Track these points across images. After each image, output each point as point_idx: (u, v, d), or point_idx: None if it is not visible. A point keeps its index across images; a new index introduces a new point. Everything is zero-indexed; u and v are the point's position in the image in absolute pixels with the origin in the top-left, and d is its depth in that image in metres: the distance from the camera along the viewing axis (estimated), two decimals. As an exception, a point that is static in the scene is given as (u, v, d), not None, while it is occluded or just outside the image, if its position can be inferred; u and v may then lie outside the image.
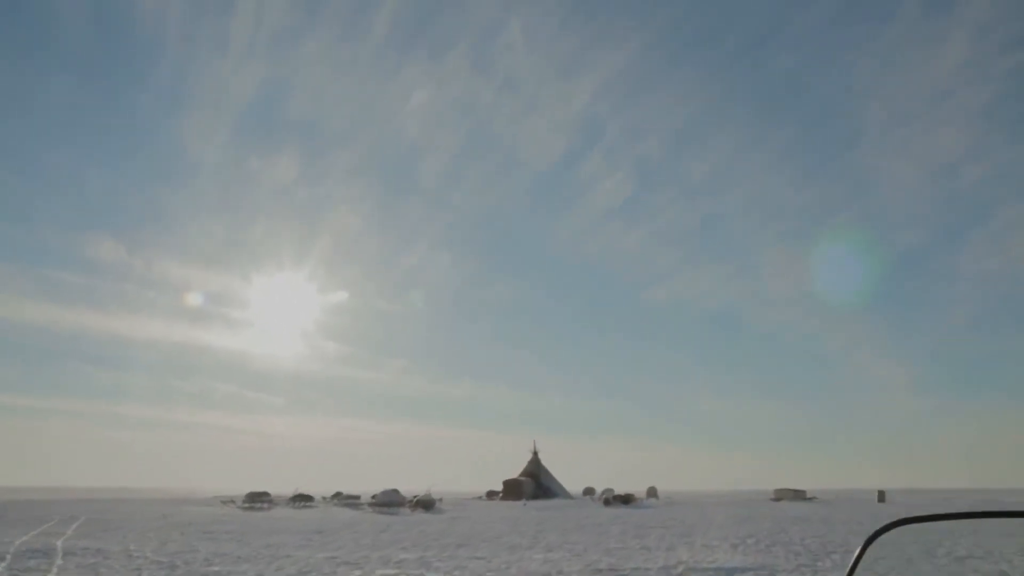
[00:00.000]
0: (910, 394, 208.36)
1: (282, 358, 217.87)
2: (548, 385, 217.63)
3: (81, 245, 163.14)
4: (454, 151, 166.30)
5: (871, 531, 2.18)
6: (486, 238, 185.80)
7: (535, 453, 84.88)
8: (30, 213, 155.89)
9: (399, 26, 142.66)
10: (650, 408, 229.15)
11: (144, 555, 19.02)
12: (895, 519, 2.13)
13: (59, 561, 17.11)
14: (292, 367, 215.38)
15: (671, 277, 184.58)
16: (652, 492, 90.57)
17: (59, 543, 21.72)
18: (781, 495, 78.12)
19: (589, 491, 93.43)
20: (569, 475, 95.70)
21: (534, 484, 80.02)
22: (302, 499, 59.88)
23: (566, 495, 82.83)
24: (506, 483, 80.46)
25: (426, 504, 52.05)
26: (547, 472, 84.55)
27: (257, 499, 57.07)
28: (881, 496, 71.88)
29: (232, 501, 58.13)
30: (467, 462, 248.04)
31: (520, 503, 63.98)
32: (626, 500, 61.14)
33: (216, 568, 16.25)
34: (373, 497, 53.30)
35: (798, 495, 77.15)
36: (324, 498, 64.69)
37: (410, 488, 61.46)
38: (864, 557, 2.12)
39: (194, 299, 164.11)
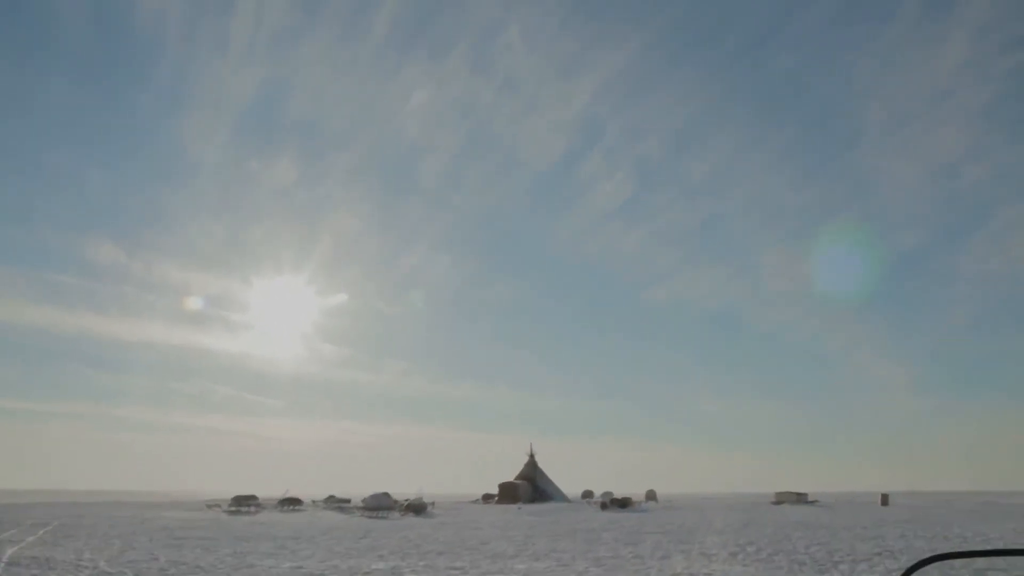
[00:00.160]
0: (910, 394, 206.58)
1: (282, 360, 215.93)
2: (548, 385, 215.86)
3: (81, 247, 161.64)
4: (454, 151, 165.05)
5: (906, 564, 1.97)
6: (486, 238, 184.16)
7: (531, 456, 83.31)
8: (30, 214, 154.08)
9: (399, 26, 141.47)
10: (650, 408, 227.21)
11: (95, 565, 17.58)
12: (933, 553, 2.08)
13: (-5, 573, 15.68)
14: (292, 369, 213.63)
15: (671, 277, 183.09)
16: (651, 495, 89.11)
17: (9, 552, 20.27)
18: (782, 498, 76.57)
19: (588, 494, 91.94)
20: (568, 477, 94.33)
21: (530, 487, 78.47)
22: (291, 503, 58.39)
23: (563, 498, 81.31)
24: (502, 486, 78.93)
25: (417, 508, 50.60)
26: (544, 475, 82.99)
27: (244, 503, 55.55)
28: (884, 500, 70.32)
29: (218, 505, 56.60)
30: (467, 464, 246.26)
31: (515, 507, 62.52)
32: (623, 504, 59.66)
33: (164, 581, 14.83)
34: (363, 501, 51.78)
35: (799, 498, 75.57)
36: (314, 501, 63.19)
37: (410, 491, 60.04)
38: None
39: (194, 302, 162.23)
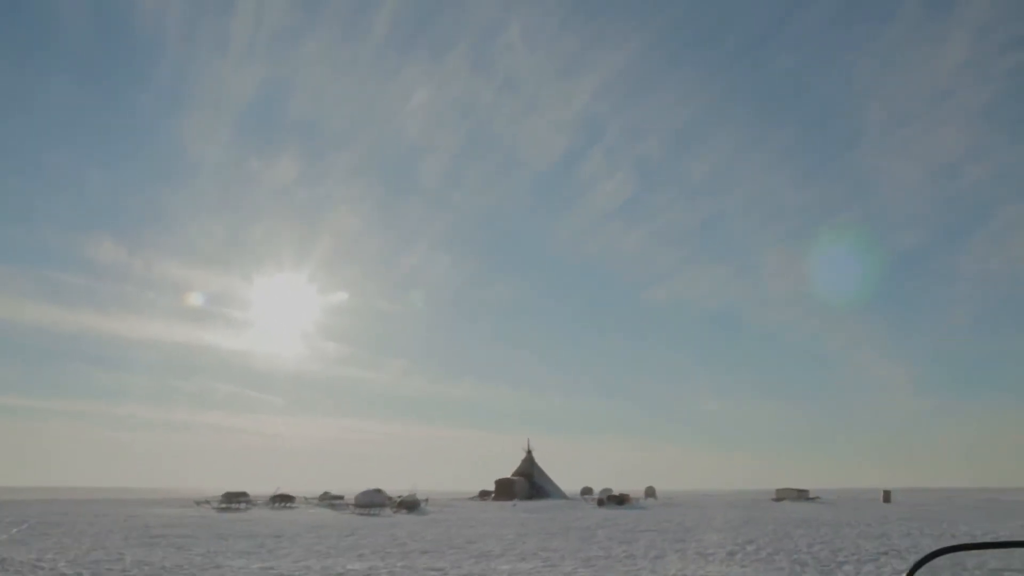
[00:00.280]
0: (910, 394, 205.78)
1: (283, 358, 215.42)
2: (548, 385, 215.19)
3: (81, 246, 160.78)
4: (454, 151, 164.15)
5: (915, 558, 2.15)
6: (486, 238, 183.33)
7: (529, 452, 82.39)
8: (30, 213, 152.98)
9: (399, 26, 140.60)
10: (650, 408, 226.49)
11: (54, 566, 16.55)
12: (942, 546, 2.06)
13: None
14: (293, 367, 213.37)
15: (671, 277, 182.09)
16: (650, 492, 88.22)
17: (-32, 551, 19.25)
18: (783, 495, 75.54)
19: (587, 491, 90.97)
20: (569, 475, 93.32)
21: (527, 484, 77.54)
22: (282, 499, 57.37)
23: (560, 495, 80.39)
24: (498, 483, 78.01)
25: (410, 505, 49.61)
26: (541, 472, 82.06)
27: (234, 499, 54.50)
28: (886, 496, 69.35)
29: (207, 502, 55.53)
30: (467, 462, 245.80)
31: (510, 504, 61.54)
32: (620, 501, 58.66)
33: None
34: (355, 498, 50.75)
35: (801, 495, 74.53)
36: (306, 498, 62.17)
37: (408, 489, 59.13)
38: None
39: (195, 299, 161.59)
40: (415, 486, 57.41)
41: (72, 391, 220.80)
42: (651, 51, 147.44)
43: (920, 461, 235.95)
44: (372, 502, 47.85)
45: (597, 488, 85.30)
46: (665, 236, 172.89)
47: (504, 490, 75.45)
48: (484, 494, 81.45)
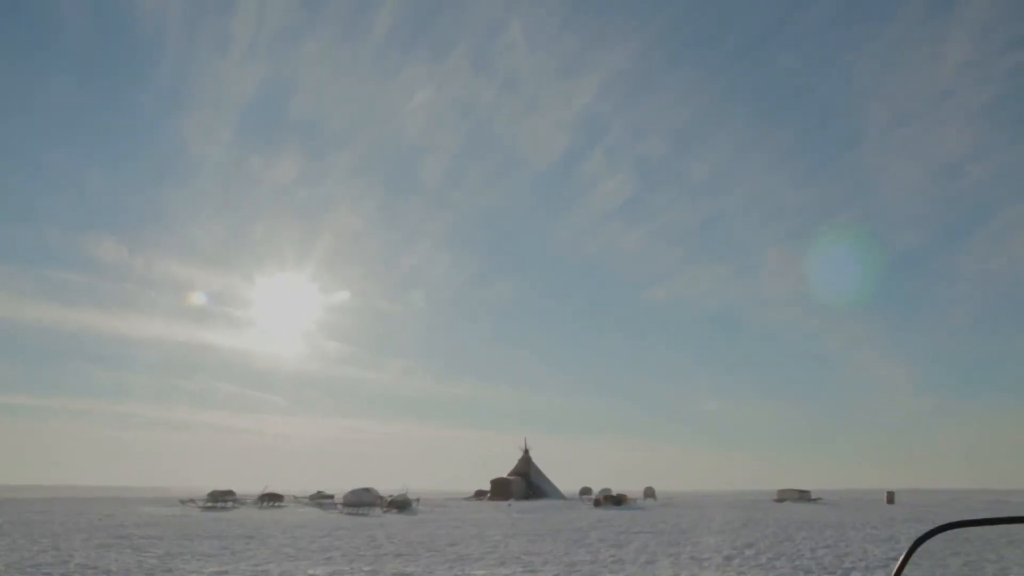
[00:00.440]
0: (910, 394, 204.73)
1: (284, 358, 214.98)
2: (548, 385, 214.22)
3: (82, 245, 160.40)
4: (455, 151, 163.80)
5: (913, 537, 2.10)
6: (487, 238, 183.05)
7: (526, 451, 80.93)
8: (31, 213, 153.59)
9: (400, 26, 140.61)
10: (650, 408, 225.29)
11: (-10, 569, 15.17)
12: (941, 523, 2.04)
13: None
14: (294, 367, 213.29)
15: (671, 277, 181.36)
16: (650, 492, 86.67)
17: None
18: (785, 496, 73.97)
19: (586, 491, 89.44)
20: (569, 475, 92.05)
21: (524, 484, 76.12)
22: (271, 499, 55.95)
23: (558, 495, 78.98)
24: (494, 482, 76.59)
25: (400, 505, 48.25)
26: (539, 471, 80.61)
27: (220, 498, 53.08)
28: (890, 497, 67.78)
29: (192, 501, 54.09)
30: (467, 462, 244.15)
31: (505, 504, 60.13)
32: (618, 501, 57.22)
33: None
34: (343, 497, 49.33)
35: (803, 496, 72.93)
36: (296, 497, 60.72)
37: (409, 488, 57.86)
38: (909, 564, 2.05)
39: (196, 299, 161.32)
40: (406, 486, 56.00)
41: (73, 390, 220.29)
42: (652, 51, 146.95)
43: (920, 461, 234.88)
44: (361, 501, 46.45)
45: (596, 488, 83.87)
46: (665, 236, 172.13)
47: (500, 490, 74.02)
48: (480, 494, 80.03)
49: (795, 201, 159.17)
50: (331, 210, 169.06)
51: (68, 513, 40.37)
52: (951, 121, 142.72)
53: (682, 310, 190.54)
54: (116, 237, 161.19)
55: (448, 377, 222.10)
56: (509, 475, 77.95)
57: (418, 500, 56.31)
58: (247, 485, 61.29)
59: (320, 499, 57.12)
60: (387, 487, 57.41)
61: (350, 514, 43.56)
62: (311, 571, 15.48)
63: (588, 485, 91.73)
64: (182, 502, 54.18)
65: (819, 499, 73.33)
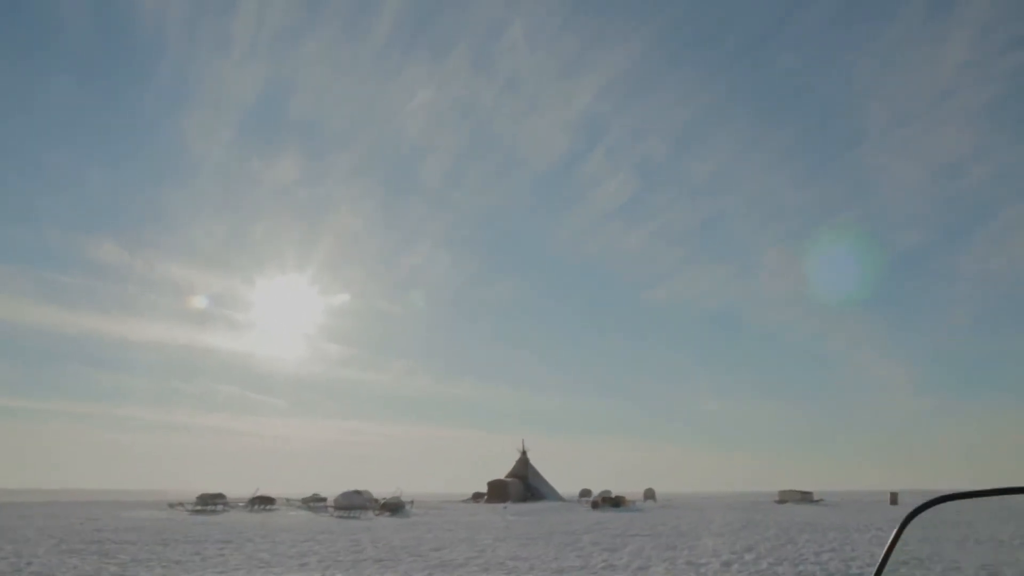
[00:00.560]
0: (911, 394, 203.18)
1: (285, 360, 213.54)
2: (548, 385, 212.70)
3: (82, 247, 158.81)
4: (455, 151, 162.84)
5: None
6: (487, 238, 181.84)
7: (524, 452, 79.81)
8: (30, 214, 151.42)
9: (400, 26, 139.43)
10: (650, 408, 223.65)
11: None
12: (935, 496, 2.10)
13: None
14: (295, 369, 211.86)
15: (671, 277, 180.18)
16: (650, 494, 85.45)
17: None
18: (786, 497, 72.81)
19: (585, 493, 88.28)
20: (568, 476, 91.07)
21: (521, 486, 74.98)
22: (262, 502, 54.83)
23: (556, 497, 77.84)
24: (491, 484, 75.43)
25: (393, 507, 47.16)
26: (536, 473, 79.47)
27: (210, 501, 51.97)
28: (894, 499, 66.62)
29: (181, 504, 52.94)
30: (467, 463, 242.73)
31: (501, 507, 59.03)
32: (616, 503, 56.13)
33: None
34: (334, 500, 48.21)
35: (804, 497, 71.75)
36: (288, 500, 59.58)
37: (410, 490, 56.79)
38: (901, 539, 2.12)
39: (196, 301, 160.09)
40: (399, 488, 54.87)
41: (73, 393, 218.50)
42: (652, 51, 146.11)
43: (920, 461, 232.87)
44: (352, 504, 45.35)
45: (596, 490, 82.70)
46: (665, 236, 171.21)
47: (497, 492, 72.90)
48: (477, 496, 78.89)
49: (795, 201, 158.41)
50: (331, 210, 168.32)
51: (48, 517, 39.29)
52: (951, 121, 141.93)
53: (682, 310, 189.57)
54: (116, 239, 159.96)
55: (448, 377, 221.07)
56: (507, 477, 76.82)
57: (412, 503, 55.15)
58: (246, 488, 60.10)
59: (313, 502, 55.97)
60: (386, 489, 56.33)
61: (341, 517, 42.48)
62: (279, 579, 14.44)
63: (588, 487, 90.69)
64: (171, 505, 53.02)
65: (821, 500, 72.19)
